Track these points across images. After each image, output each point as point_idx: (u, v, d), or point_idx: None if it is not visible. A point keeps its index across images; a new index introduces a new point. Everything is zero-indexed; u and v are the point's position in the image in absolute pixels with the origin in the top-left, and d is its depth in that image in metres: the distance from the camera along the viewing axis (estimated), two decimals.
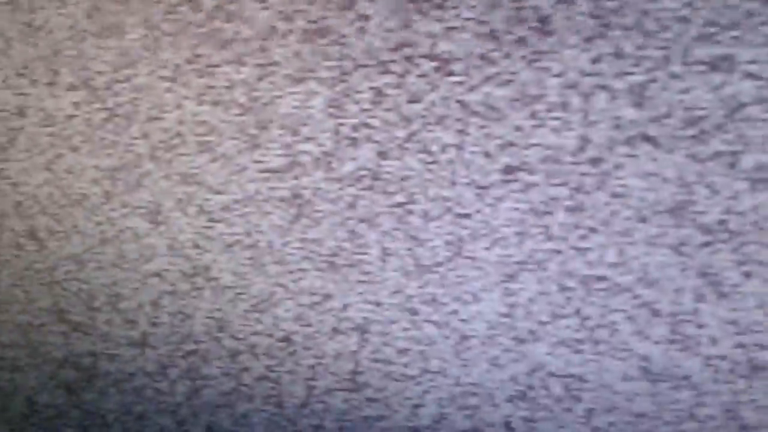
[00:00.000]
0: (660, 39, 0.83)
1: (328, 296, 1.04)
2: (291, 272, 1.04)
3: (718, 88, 0.82)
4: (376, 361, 1.04)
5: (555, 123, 0.88)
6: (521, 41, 0.87)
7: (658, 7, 0.82)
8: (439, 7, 0.89)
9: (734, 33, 0.80)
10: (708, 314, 0.88)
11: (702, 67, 0.82)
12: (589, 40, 0.85)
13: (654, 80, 0.84)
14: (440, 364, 1.01)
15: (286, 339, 1.08)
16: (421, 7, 0.90)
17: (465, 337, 0.98)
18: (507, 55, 0.88)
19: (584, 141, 0.87)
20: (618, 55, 0.84)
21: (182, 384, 1.15)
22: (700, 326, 0.88)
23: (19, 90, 1.11)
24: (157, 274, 1.12)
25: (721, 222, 0.85)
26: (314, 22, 0.94)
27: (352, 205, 0.99)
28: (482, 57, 0.89)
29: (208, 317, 1.11)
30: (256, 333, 1.09)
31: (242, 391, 1.12)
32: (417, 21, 0.90)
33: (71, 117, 1.09)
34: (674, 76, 0.83)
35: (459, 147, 0.92)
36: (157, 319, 1.14)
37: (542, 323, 0.94)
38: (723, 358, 0.88)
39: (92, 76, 1.07)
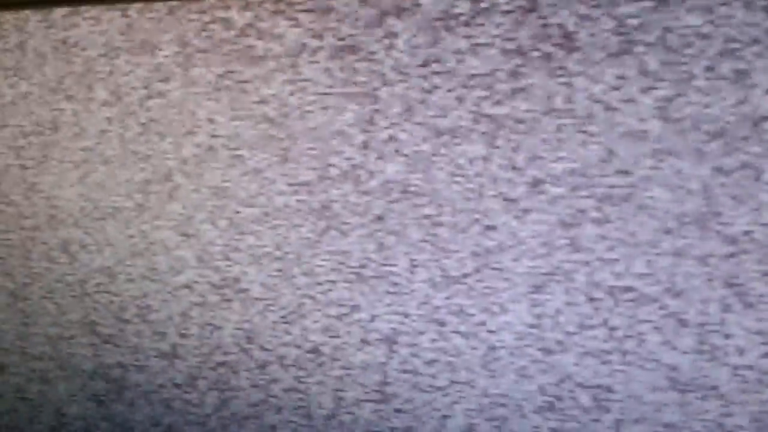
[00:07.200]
0: (683, 55, 0.84)
1: (356, 307, 1.05)
2: (319, 284, 1.06)
3: (741, 102, 0.83)
4: (404, 372, 1.05)
5: (581, 136, 0.90)
6: (547, 57, 0.89)
7: (681, 24, 0.83)
8: (466, 24, 0.91)
9: (755, 49, 0.81)
10: (735, 324, 0.89)
11: (725, 82, 0.83)
12: (614, 56, 0.86)
13: (679, 95, 0.85)
14: (468, 374, 1.02)
15: (315, 350, 1.09)
16: (448, 24, 0.92)
17: (493, 348, 1.00)
18: (533, 71, 0.90)
19: (610, 154, 0.89)
20: (642, 71, 0.86)
21: (211, 395, 1.17)
22: (727, 336, 0.89)
23: (53, 105, 1.14)
24: (187, 286, 1.14)
25: (747, 233, 0.86)
26: (343, 39, 0.96)
27: (380, 218, 1.01)
28: (509, 72, 0.91)
29: (237, 328, 1.13)
30: (284, 344, 1.11)
31: (271, 403, 1.14)
32: (444, 38, 0.92)
33: (104, 132, 1.12)
34: (698, 90, 0.84)
35: (487, 160, 0.94)
36: (187, 330, 1.16)
37: (570, 334, 0.96)
38: (750, 367, 0.89)
39: (126, 92, 1.09)
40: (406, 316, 1.03)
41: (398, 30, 0.94)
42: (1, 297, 1.27)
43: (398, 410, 1.07)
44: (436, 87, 0.94)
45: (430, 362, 1.03)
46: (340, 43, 0.97)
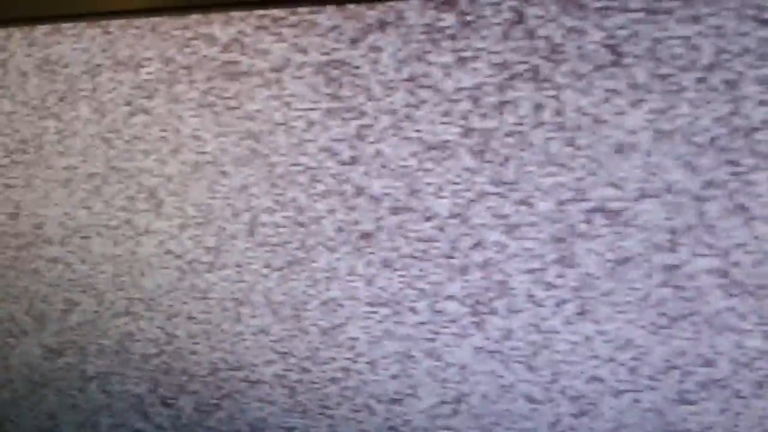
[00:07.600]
0: (673, 66, 0.83)
1: (343, 325, 1.04)
2: (306, 302, 1.05)
3: (732, 114, 0.82)
4: (391, 391, 1.03)
5: (570, 150, 0.88)
6: (534, 70, 0.87)
7: (670, 35, 0.82)
8: (452, 37, 0.90)
9: (746, 59, 0.80)
10: (730, 340, 0.87)
11: (715, 93, 0.82)
12: (602, 68, 0.85)
13: (669, 107, 0.84)
14: (460, 393, 1.00)
15: (305, 370, 1.07)
16: (433, 38, 0.90)
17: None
18: (521, 84, 0.88)
19: (600, 168, 0.87)
20: (631, 83, 0.84)
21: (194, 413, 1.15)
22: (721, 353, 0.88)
23: (36, 124, 1.12)
24: (173, 305, 1.12)
25: (739, 246, 0.85)
26: (328, 54, 0.95)
27: (367, 234, 0.99)
28: (496, 85, 0.89)
29: (226, 350, 1.11)
30: (271, 363, 1.09)
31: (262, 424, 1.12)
32: (430, 51, 0.91)
33: (88, 149, 1.10)
34: (688, 102, 0.83)
35: (475, 174, 0.92)
36: (174, 349, 1.14)
37: (562, 352, 0.94)
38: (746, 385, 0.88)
39: (109, 109, 1.08)
40: (395, 333, 1.01)
41: (383, 44, 0.92)
42: None
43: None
44: (422, 101, 0.93)
45: (420, 379, 1.02)
46: (325, 57, 0.95)
